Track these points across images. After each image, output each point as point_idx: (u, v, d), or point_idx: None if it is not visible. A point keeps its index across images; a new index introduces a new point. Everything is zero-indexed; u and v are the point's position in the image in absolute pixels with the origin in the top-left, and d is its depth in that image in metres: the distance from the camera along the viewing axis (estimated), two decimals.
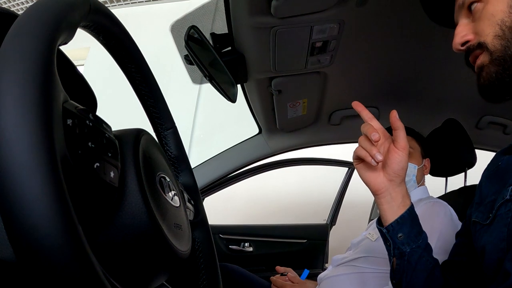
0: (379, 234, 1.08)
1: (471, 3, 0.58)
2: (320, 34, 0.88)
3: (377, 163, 0.65)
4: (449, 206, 1.03)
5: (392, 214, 0.68)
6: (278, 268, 1.33)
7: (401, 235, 0.68)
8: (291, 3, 0.76)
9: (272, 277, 1.30)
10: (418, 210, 0.77)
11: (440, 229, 0.96)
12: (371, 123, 0.67)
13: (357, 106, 0.69)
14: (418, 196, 1.15)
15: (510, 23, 0.53)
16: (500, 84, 0.56)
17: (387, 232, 0.69)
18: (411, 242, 0.68)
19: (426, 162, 1.23)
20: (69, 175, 0.26)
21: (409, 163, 1.13)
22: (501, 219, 0.56)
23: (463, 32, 0.59)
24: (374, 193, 0.70)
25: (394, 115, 0.66)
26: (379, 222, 0.72)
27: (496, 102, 0.59)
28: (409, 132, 1.23)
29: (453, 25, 0.62)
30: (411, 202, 0.70)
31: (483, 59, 0.57)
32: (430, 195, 1.20)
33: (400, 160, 0.66)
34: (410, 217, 0.68)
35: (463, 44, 0.60)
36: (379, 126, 0.68)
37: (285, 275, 1.29)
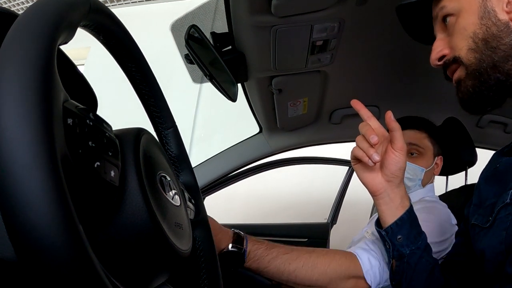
0: (377, 235, 1.08)
1: (445, 16, 0.57)
2: (320, 33, 0.88)
3: (374, 163, 0.64)
4: (448, 209, 1.02)
5: (391, 215, 0.68)
6: None
7: (400, 237, 0.67)
8: (291, 2, 0.76)
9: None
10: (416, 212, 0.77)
11: (440, 217, 0.95)
12: (370, 123, 0.66)
13: (356, 104, 0.68)
14: (421, 195, 1.11)
15: (482, 35, 0.53)
16: (479, 97, 0.56)
17: (386, 234, 0.69)
18: (410, 243, 0.68)
19: (438, 160, 1.14)
20: (69, 174, 0.26)
21: (416, 166, 1.07)
22: (500, 222, 0.56)
23: (439, 47, 0.59)
24: (372, 194, 0.69)
25: (389, 116, 0.65)
26: (378, 224, 0.72)
27: (478, 114, 0.59)
28: (425, 127, 1.15)
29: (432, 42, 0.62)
30: (410, 203, 0.70)
31: (459, 73, 0.57)
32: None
33: (397, 161, 0.66)
34: (409, 218, 0.68)
35: (440, 59, 0.60)
36: (378, 125, 0.67)
37: None
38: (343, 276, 0.76)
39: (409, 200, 0.70)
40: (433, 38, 0.63)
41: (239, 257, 0.76)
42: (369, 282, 0.76)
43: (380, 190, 0.68)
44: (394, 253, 0.69)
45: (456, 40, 0.56)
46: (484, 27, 0.52)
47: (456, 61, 0.57)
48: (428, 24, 0.63)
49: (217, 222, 0.77)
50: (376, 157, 0.63)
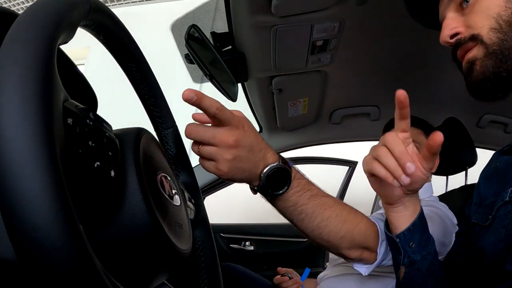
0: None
1: None
2: (320, 33, 0.88)
3: (401, 185, 0.56)
4: (449, 211, 1.02)
5: (404, 221, 0.65)
6: (280, 269, 1.32)
7: (413, 243, 0.64)
8: (291, 2, 0.76)
9: (276, 277, 1.29)
10: None
11: (443, 214, 0.95)
12: (400, 136, 0.58)
13: (403, 100, 0.58)
14: (421, 196, 1.11)
15: (507, 17, 0.51)
16: (496, 78, 0.53)
17: (399, 240, 0.65)
18: (422, 249, 0.65)
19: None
20: (69, 174, 0.26)
21: None
22: (500, 220, 0.56)
23: (453, 25, 0.57)
24: (388, 204, 0.66)
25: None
26: (387, 227, 0.69)
27: (487, 100, 0.56)
28: (420, 124, 1.18)
29: (435, 26, 0.60)
30: (421, 206, 0.67)
31: (476, 52, 0.55)
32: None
33: (424, 180, 0.61)
34: (421, 223, 0.65)
35: (452, 37, 0.57)
36: (407, 135, 0.59)
37: (286, 275, 1.29)
38: (361, 243, 0.70)
39: (420, 203, 0.68)
40: (436, 22, 0.61)
41: (287, 178, 0.63)
42: (378, 256, 0.72)
43: (398, 203, 0.65)
44: (404, 260, 0.65)
45: (475, 19, 0.54)
46: (510, 10, 0.51)
47: (474, 39, 0.55)
48: (434, 5, 0.61)
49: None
50: (406, 181, 0.54)
